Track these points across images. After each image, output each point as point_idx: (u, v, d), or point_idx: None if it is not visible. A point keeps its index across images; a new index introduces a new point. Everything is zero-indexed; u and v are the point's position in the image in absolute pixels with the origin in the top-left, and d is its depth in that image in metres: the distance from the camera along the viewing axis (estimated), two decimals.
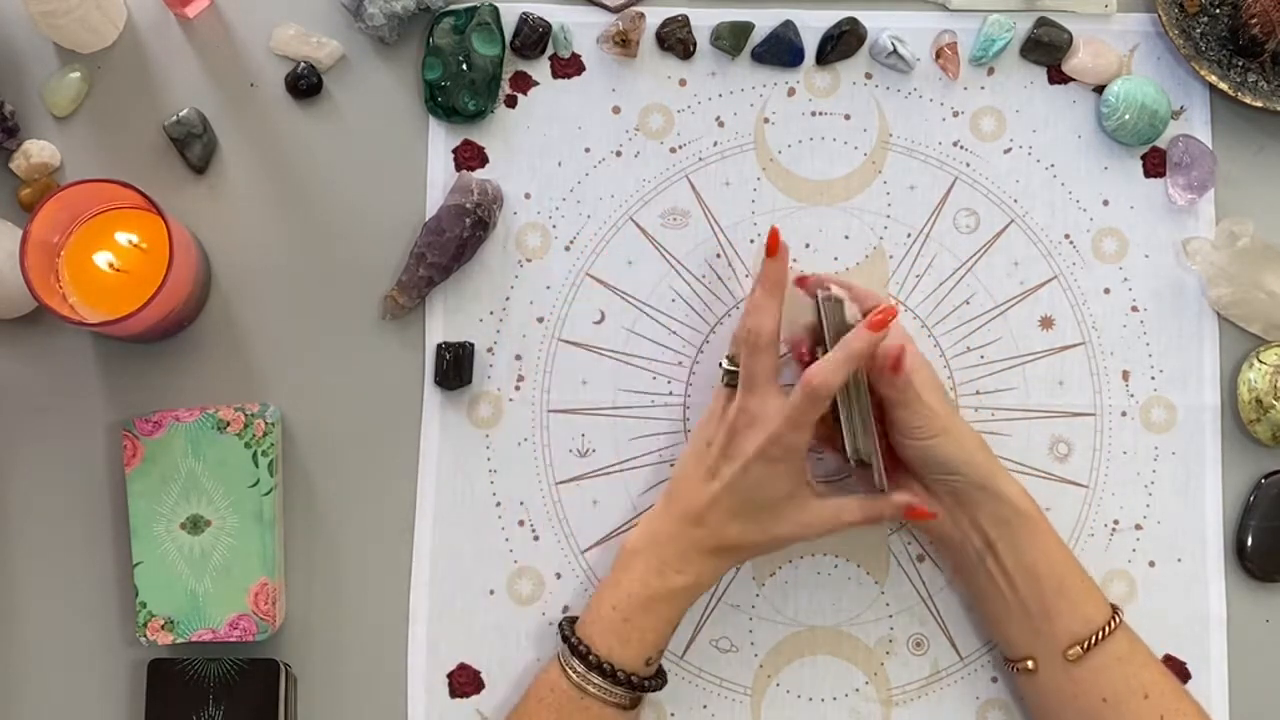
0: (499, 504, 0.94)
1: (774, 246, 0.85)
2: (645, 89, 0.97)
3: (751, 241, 0.96)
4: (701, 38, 0.97)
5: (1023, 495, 0.86)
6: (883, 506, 0.86)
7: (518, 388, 0.95)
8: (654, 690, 0.86)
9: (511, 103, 0.97)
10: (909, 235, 0.96)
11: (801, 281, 0.89)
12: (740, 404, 0.83)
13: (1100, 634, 0.84)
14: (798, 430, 0.82)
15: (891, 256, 0.96)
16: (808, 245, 0.96)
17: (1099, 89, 0.98)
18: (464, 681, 0.92)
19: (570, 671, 0.84)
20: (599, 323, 0.95)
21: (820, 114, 0.97)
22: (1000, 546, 0.85)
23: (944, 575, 0.93)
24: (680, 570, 0.84)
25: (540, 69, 0.97)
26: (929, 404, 0.84)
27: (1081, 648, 0.84)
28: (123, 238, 0.89)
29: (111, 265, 0.89)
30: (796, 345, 0.88)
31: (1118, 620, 0.85)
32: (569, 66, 0.97)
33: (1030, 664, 0.86)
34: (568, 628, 0.86)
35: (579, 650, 0.84)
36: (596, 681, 0.83)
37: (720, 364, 0.87)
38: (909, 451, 0.86)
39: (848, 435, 0.85)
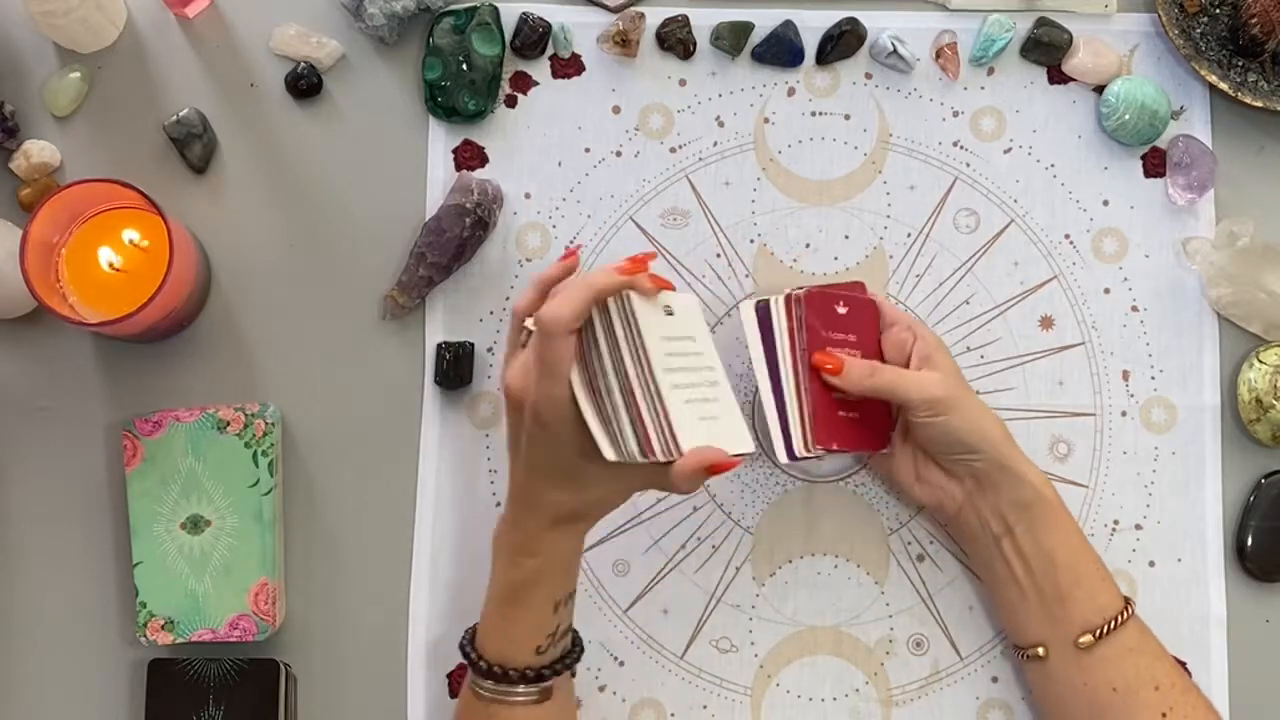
0: (499, 504, 0.94)
1: (641, 264, 0.79)
2: (645, 89, 0.97)
3: (751, 241, 0.96)
4: (701, 38, 0.97)
5: (1044, 480, 0.86)
6: (687, 468, 0.76)
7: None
8: (560, 671, 0.83)
9: (511, 103, 0.97)
10: (909, 235, 0.96)
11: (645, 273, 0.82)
12: (521, 364, 0.79)
13: (1113, 623, 0.84)
14: (552, 379, 0.75)
15: (891, 256, 0.96)
16: (808, 245, 0.96)
17: (1099, 89, 0.98)
18: (464, 681, 0.92)
19: (473, 684, 0.83)
20: None
21: (820, 114, 0.97)
22: (1019, 530, 0.85)
23: (944, 575, 0.93)
24: (531, 554, 0.81)
25: (540, 69, 0.97)
26: (934, 380, 0.84)
27: (1094, 636, 0.84)
28: (123, 237, 0.89)
29: (111, 265, 0.89)
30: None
31: (1130, 611, 0.85)
32: (569, 66, 0.97)
33: (1041, 651, 0.86)
34: (466, 640, 0.84)
35: (471, 659, 0.83)
36: (489, 686, 0.82)
37: (523, 324, 0.81)
38: (926, 432, 0.85)
39: (599, 428, 0.77)
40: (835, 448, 0.87)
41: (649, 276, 0.79)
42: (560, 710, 0.84)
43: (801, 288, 0.88)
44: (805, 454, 0.86)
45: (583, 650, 0.86)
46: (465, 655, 0.83)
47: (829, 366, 0.86)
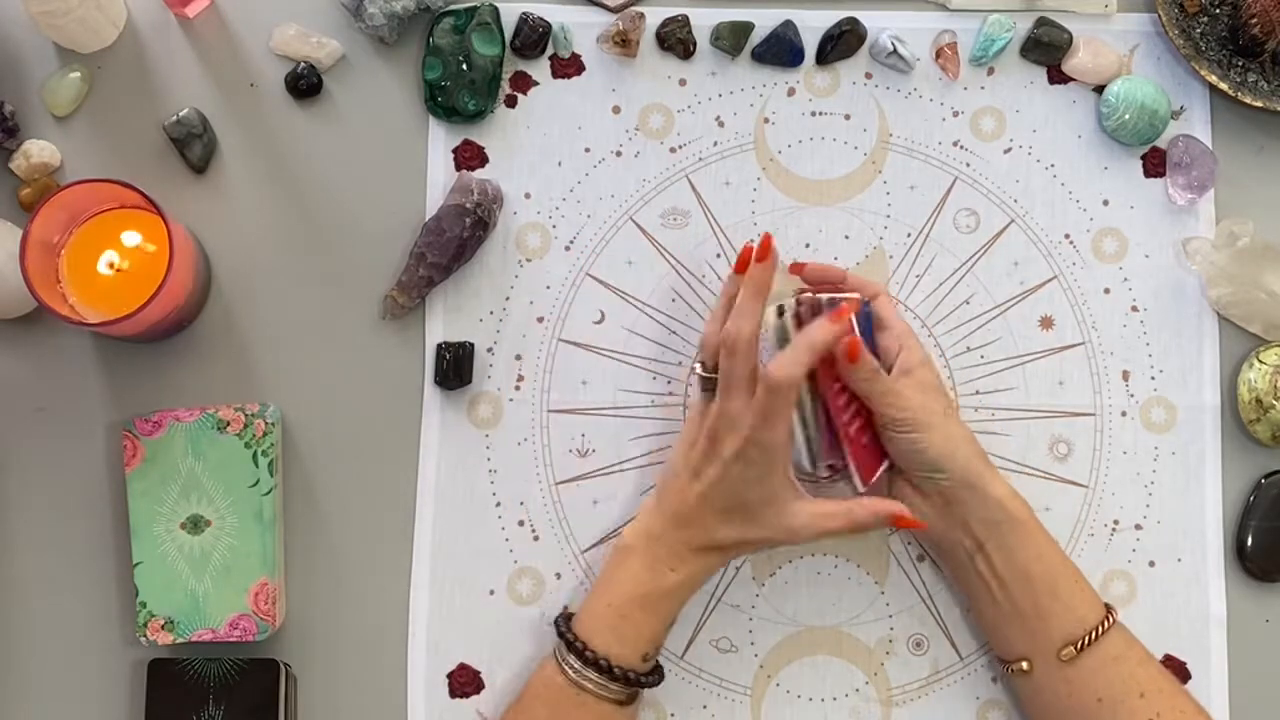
0: (499, 504, 0.94)
1: (765, 252, 0.84)
2: (645, 89, 0.97)
3: (751, 241, 0.96)
4: (701, 38, 0.97)
5: (1012, 497, 0.85)
6: (867, 516, 0.84)
7: (518, 388, 0.95)
8: (651, 686, 0.86)
9: (511, 103, 0.97)
10: (909, 235, 0.96)
11: (797, 268, 0.90)
12: (719, 407, 0.83)
13: (1094, 634, 0.84)
14: (769, 428, 0.81)
15: (891, 256, 0.96)
16: (808, 245, 0.96)
17: (1099, 89, 0.98)
18: (464, 681, 0.92)
19: (567, 668, 0.84)
20: (599, 323, 0.95)
21: (820, 114, 0.97)
22: (990, 548, 0.85)
23: (944, 575, 0.93)
24: (673, 568, 0.84)
25: (540, 69, 0.97)
26: (908, 399, 0.84)
27: (1075, 648, 0.84)
28: (123, 238, 0.89)
29: (111, 265, 0.89)
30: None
31: (1112, 620, 0.85)
32: (569, 66, 0.97)
33: (1024, 665, 0.86)
34: (564, 624, 0.86)
35: (575, 646, 0.84)
36: (593, 677, 0.84)
37: (692, 369, 0.87)
38: (894, 446, 0.86)
39: (801, 442, 0.85)
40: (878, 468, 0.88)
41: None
42: (634, 718, 0.87)
43: (801, 295, 0.87)
44: (862, 489, 0.87)
45: (663, 677, 0.87)
46: (569, 642, 0.84)
47: (853, 352, 0.83)
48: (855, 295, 0.89)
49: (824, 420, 0.85)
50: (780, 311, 0.86)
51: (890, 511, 0.84)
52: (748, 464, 0.82)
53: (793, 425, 0.84)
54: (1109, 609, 0.86)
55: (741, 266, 0.85)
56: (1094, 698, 0.83)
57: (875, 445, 0.87)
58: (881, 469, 0.88)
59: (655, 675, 0.87)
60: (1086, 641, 0.84)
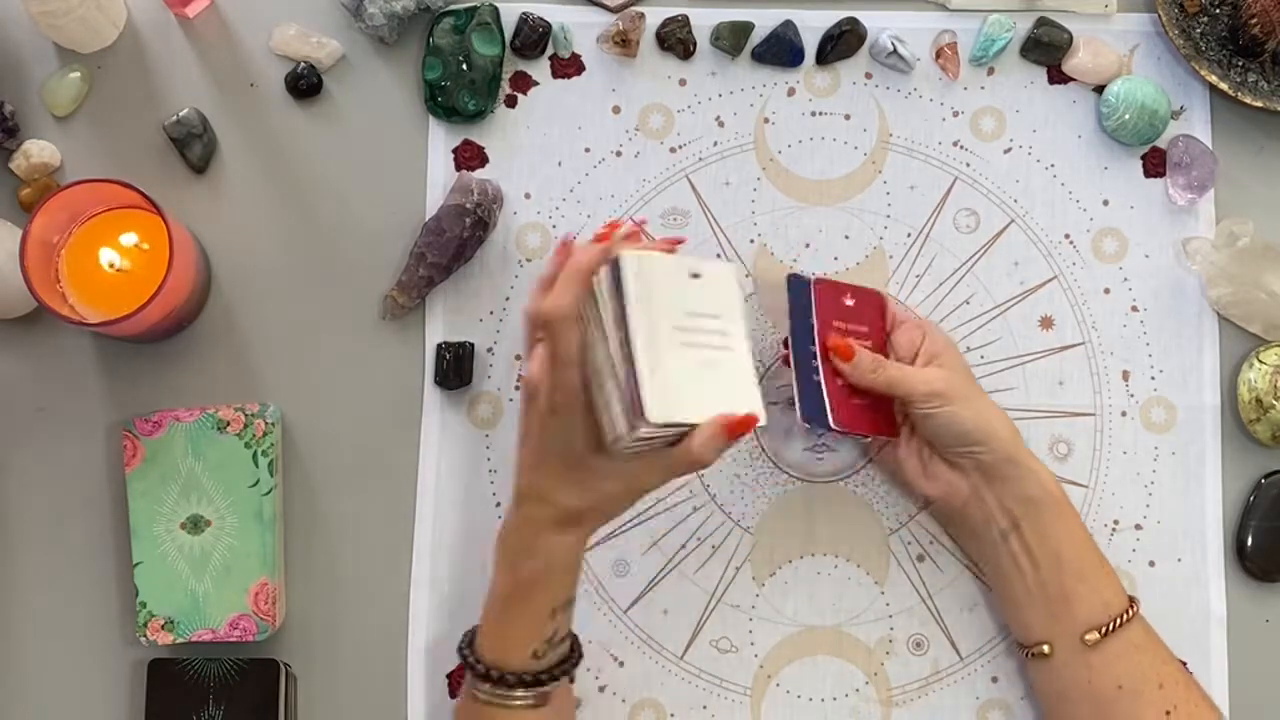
0: (499, 504, 0.94)
1: (605, 235, 0.79)
2: (645, 89, 0.97)
3: (751, 241, 0.96)
4: (701, 38, 0.97)
5: (1051, 477, 0.86)
6: (695, 446, 0.76)
7: (517, 387, 0.95)
8: (557, 678, 0.83)
9: (511, 103, 0.97)
10: (909, 235, 0.96)
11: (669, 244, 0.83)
12: (533, 359, 0.78)
13: (1119, 620, 0.84)
14: (563, 367, 0.76)
15: (891, 256, 0.96)
16: (808, 245, 0.96)
17: (1099, 89, 0.98)
18: (464, 681, 0.92)
19: (475, 690, 0.83)
20: None
21: (820, 114, 0.97)
22: (1025, 526, 0.85)
23: (944, 575, 0.93)
24: (531, 554, 0.81)
25: (540, 69, 0.97)
26: (932, 374, 0.85)
27: (1100, 633, 0.84)
28: (123, 238, 0.89)
29: (111, 265, 0.89)
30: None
31: (1136, 609, 0.85)
32: (569, 66, 0.97)
33: (1046, 649, 0.86)
34: (465, 644, 0.84)
35: (469, 662, 0.83)
36: (492, 691, 0.82)
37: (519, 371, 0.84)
38: (929, 426, 0.86)
39: (605, 411, 0.77)
40: (854, 430, 0.87)
41: (662, 240, 0.80)
42: (558, 716, 0.84)
43: (813, 274, 0.88)
44: (835, 426, 0.86)
45: (581, 657, 0.85)
46: (462, 657, 0.83)
47: (842, 352, 0.86)
48: (878, 290, 0.90)
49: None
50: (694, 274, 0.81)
51: (717, 424, 0.76)
52: (555, 411, 0.77)
53: (602, 388, 0.77)
54: (1132, 599, 0.86)
55: (598, 239, 0.79)
56: (1115, 684, 0.83)
57: (866, 408, 0.87)
58: (859, 431, 0.87)
59: (559, 669, 0.83)
60: (1111, 627, 0.84)
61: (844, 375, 0.87)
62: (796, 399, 0.86)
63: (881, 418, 0.89)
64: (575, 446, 0.78)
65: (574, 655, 0.85)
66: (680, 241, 0.82)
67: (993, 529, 0.86)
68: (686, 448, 0.76)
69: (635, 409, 0.75)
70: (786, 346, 0.88)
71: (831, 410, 0.86)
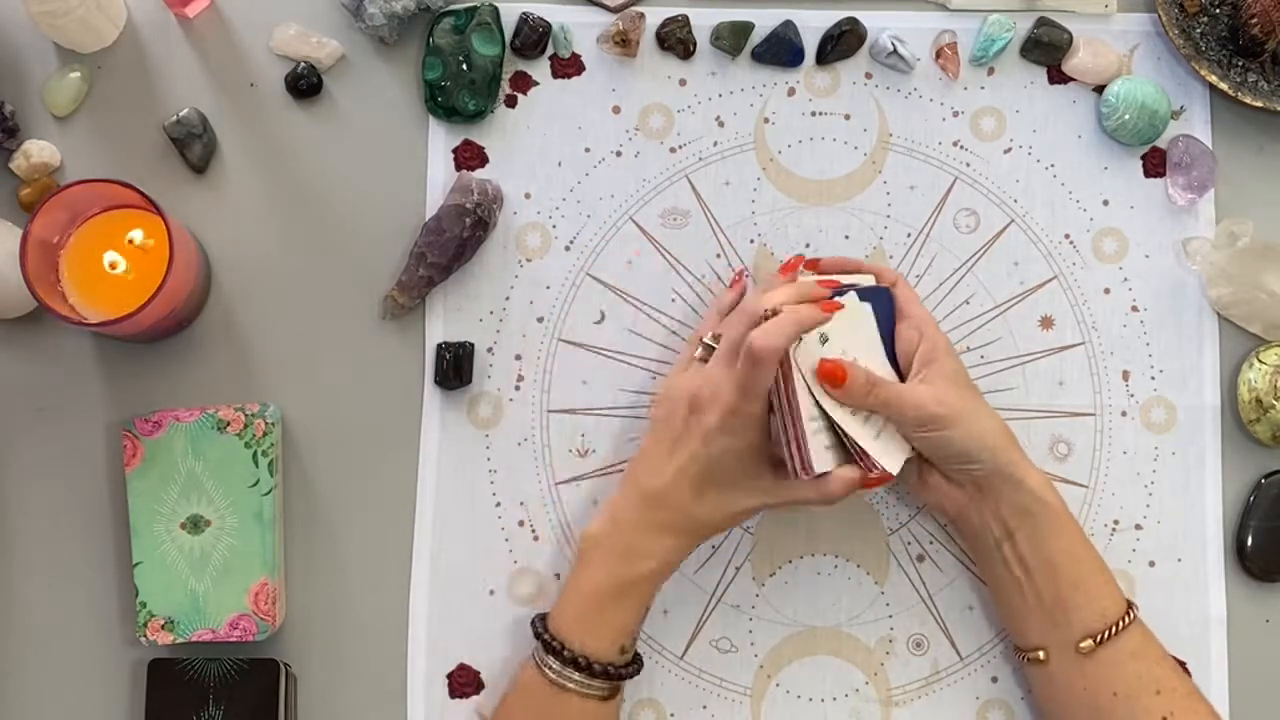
0: (499, 504, 0.94)
1: (790, 266, 0.89)
2: (645, 89, 0.97)
3: (751, 241, 0.96)
4: (701, 38, 0.97)
5: (1045, 485, 0.85)
6: (835, 486, 0.82)
7: (518, 388, 0.95)
8: (630, 676, 0.86)
9: (511, 103, 0.97)
10: (909, 235, 0.96)
11: (812, 265, 0.90)
12: (706, 375, 0.83)
13: (1114, 628, 0.84)
14: (749, 399, 0.81)
15: (891, 256, 0.96)
16: (808, 245, 0.96)
17: (1099, 89, 0.98)
18: (464, 681, 0.92)
19: (546, 669, 0.84)
20: (599, 323, 0.95)
21: (820, 114, 0.97)
22: (1019, 536, 0.85)
23: (944, 575, 0.93)
24: (647, 554, 0.84)
25: (540, 69, 0.97)
26: (923, 396, 0.83)
27: (1095, 641, 0.84)
28: (123, 238, 0.89)
29: (112, 265, 0.89)
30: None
31: (1132, 616, 0.85)
32: (569, 66, 0.97)
33: (1041, 655, 0.86)
34: (540, 624, 0.86)
35: (552, 646, 0.84)
36: (573, 676, 0.83)
37: (703, 339, 0.87)
38: (923, 445, 0.85)
39: (795, 442, 0.83)
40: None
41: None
42: (615, 712, 0.86)
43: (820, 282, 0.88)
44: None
45: (642, 666, 0.87)
46: (546, 643, 0.84)
47: (834, 376, 0.83)
48: (869, 279, 0.89)
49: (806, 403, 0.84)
50: None
51: (853, 477, 0.82)
52: (728, 435, 0.82)
53: (791, 426, 0.83)
54: (1130, 605, 0.86)
55: (786, 270, 0.89)
56: (1110, 692, 0.83)
57: (831, 447, 0.85)
58: (825, 469, 0.84)
59: (634, 666, 0.86)
60: (1106, 635, 0.84)
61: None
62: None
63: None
64: (728, 468, 0.82)
65: (640, 659, 0.87)
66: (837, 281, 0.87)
67: (988, 537, 0.86)
68: (830, 488, 0.82)
69: (862, 465, 0.83)
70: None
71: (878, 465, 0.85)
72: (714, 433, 0.82)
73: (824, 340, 0.84)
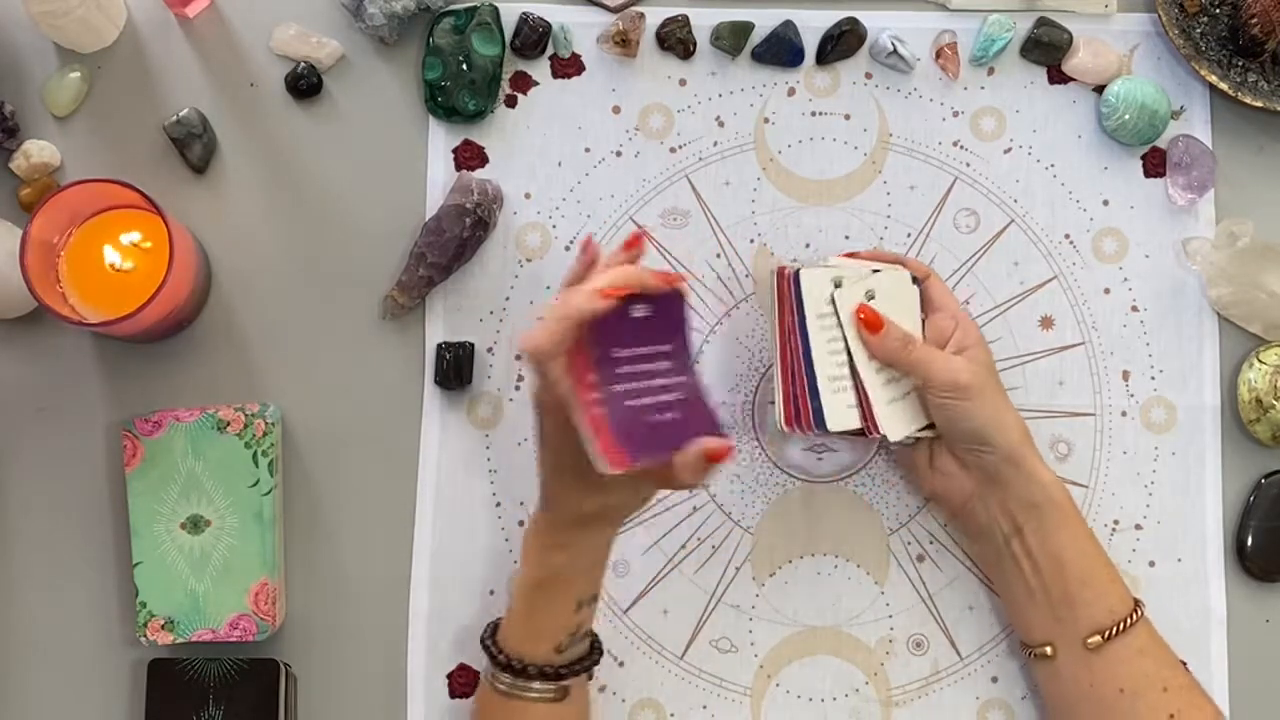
0: (499, 504, 0.94)
1: (634, 242, 0.82)
2: (645, 89, 0.97)
3: (751, 241, 0.96)
4: (701, 38, 0.97)
5: (1055, 481, 0.85)
6: (690, 459, 0.77)
7: (518, 388, 0.95)
8: (578, 673, 0.84)
9: (511, 103, 0.97)
10: (909, 235, 0.96)
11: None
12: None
13: (1122, 625, 0.84)
14: (545, 389, 0.77)
15: None
16: (808, 245, 0.96)
17: (1099, 89, 0.98)
18: (464, 681, 0.92)
19: (495, 681, 0.84)
20: None
21: (820, 114, 0.97)
22: (1028, 530, 0.85)
23: (944, 575, 0.93)
24: (557, 550, 0.82)
25: (540, 69, 0.97)
26: (956, 363, 0.84)
27: (1102, 637, 0.84)
28: (123, 238, 0.89)
29: (112, 265, 0.89)
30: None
31: (1140, 613, 0.85)
32: (569, 66, 0.97)
33: (1048, 650, 0.86)
34: (488, 635, 0.85)
35: (491, 653, 0.84)
36: (513, 682, 0.83)
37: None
38: (941, 417, 0.85)
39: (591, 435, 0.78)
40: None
41: (654, 274, 0.79)
42: (576, 712, 0.85)
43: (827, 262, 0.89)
44: (891, 436, 0.86)
45: (601, 655, 0.86)
46: (485, 648, 0.84)
47: (871, 322, 0.85)
48: (897, 268, 0.89)
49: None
50: (838, 283, 0.86)
51: (700, 450, 0.77)
52: (562, 430, 0.78)
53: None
54: (1137, 603, 0.86)
55: (625, 247, 0.82)
56: (1116, 688, 0.83)
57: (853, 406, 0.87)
58: (638, 463, 0.79)
59: (582, 663, 0.84)
60: (1114, 632, 0.84)
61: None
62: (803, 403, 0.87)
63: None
64: (576, 457, 0.78)
65: (594, 653, 0.86)
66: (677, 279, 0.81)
67: (996, 531, 0.86)
68: (675, 467, 0.77)
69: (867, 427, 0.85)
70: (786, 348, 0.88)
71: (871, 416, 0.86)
72: (552, 429, 0.79)
73: (870, 297, 0.86)
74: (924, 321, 0.89)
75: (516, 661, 0.83)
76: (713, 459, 0.77)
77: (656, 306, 0.80)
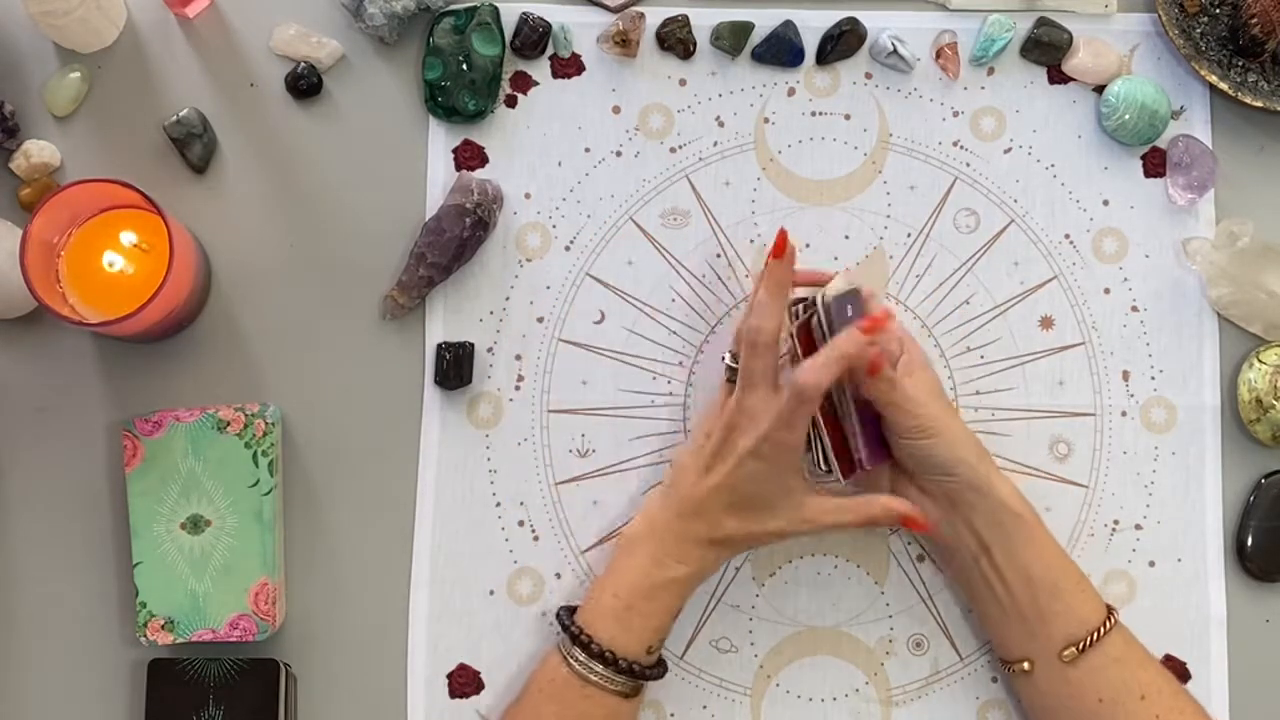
0: (499, 504, 0.94)
1: (780, 248, 0.85)
2: (645, 89, 0.97)
3: (751, 241, 0.96)
4: (701, 38, 0.97)
5: (1016, 497, 0.85)
6: (877, 511, 0.86)
7: (518, 388, 0.95)
8: (654, 679, 0.86)
9: (511, 103, 0.97)
10: (909, 235, 0.96)
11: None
12: (737, 401, 0.84)
13: (1095, 635, 0.84)
14: (789, 429, 0.82)
15: (891, 256, 0.96)
16: (808, 245, 0.96)
17: (1099, 89, 0.98)
18: (464, 681, 0.92)
19: (572, 660, 0.84)
20: (599, 323, 0.95)
21: (820, 114, 0.97)
22: (994, 549, 0.85)
23: (944, 575, 0.93)
24: (680, 560, 0.85)
25: (540, 69, 0.97)
26: (922, 405, 0.84)
27: (1077, 649, 0.84)
28: (123, 238, 0.89)
29: (112, 265, 0.89)
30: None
31: (1113, 621, 0.85)
32: (569, 66, 0.97)
33: (1026, 665, 0.86)
34: (567, 616, 0.87)
35: (580, 639, 0.84)
36: (599, 669, 0.84)
37: (723, 358, 0.88)
38: (903, 451, 0.86)
39: (815, 441, 0.86)
40: (877, 462, 0.88)
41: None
42: (636, 713, 0.87)
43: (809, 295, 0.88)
44: (866, 468, 0.87)
45: (666, 670, 0.88)
46: (574, 635, 0.85)
47: (875, 365, 0.83)
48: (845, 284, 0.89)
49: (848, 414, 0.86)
50: (810, 305, 0.87)
51: (901, 511, 0.85)
52: (762, 460, 0.83)
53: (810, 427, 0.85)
54: (1110, 610, 0.86)
55: (777, 253, 0.85)
56: (1095, 698, 0.83)
57: (869, 444, 0.87)
58: (861, 470, 0.87)
59: (659, 668, 0.87)
60: (1088, 642, 0.84)
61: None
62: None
63: (883, 444, 0.88)
64: (762, 491, 0.83)
65: (663, 664, 0.88)
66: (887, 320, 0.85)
67: (964, 553, 0.86)
68: (871, 513, 0.85)
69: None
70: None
71: (866, 445, 0.87)
72: (748, 456, 0.83)
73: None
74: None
75: (609, 652, 0.84)
76: (907, 525, 0.86)
77: (854, 309, 0.88)
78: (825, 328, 0.85)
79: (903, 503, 0.86)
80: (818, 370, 0.81)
